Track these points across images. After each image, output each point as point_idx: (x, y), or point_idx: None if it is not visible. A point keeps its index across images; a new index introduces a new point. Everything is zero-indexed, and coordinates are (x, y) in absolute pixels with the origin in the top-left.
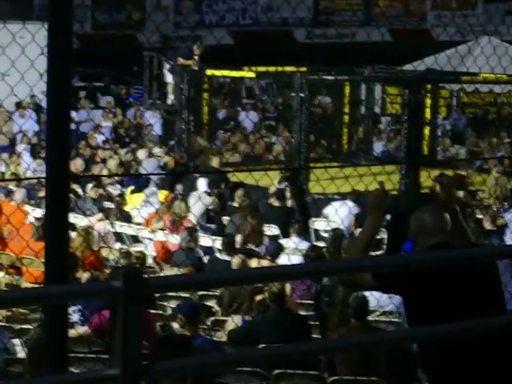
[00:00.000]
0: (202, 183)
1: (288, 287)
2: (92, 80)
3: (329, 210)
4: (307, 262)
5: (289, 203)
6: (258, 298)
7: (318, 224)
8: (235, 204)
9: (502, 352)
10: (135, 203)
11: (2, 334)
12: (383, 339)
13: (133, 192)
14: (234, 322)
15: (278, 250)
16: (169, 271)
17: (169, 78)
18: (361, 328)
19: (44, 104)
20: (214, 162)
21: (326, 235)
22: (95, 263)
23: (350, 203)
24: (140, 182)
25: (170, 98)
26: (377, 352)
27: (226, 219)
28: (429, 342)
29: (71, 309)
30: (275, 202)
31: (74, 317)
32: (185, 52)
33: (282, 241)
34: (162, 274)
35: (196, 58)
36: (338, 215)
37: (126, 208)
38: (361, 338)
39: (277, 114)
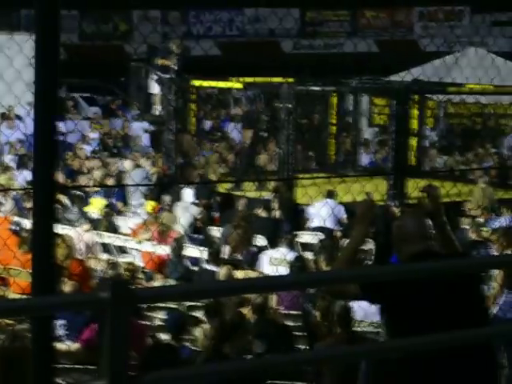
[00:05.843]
0: (189, 194)
1: (274, 298)
2: (79, 90)
3: (311, 209)
4: (293, 273)
5: (276, 214)
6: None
7: (304, 237)
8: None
9: (480, 362)
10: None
11: None
12: (369, 350)
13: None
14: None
15: (254, 259)
16: (159, 283)
17: (156, 88)
18: (348, 338)
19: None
20: (212, 174)
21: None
22: (82, 274)
23: (331, 202)
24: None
25: (157, 109)
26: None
27: (213, 230)
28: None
29: (56, 323)
30: (262, 213)
31: (60, 331)
32: (164, 52)
33: (270, 251)
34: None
35: (176, 57)
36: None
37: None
38: (346, 349)
39: (265, 125)
